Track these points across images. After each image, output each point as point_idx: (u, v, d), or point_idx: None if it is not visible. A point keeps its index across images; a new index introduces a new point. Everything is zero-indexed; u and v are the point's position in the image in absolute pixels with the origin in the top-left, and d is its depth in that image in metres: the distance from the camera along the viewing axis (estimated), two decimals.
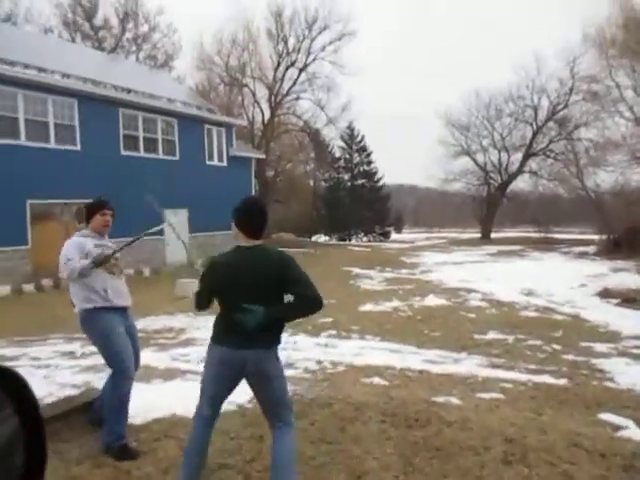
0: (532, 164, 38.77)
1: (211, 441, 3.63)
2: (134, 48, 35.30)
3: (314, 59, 33.91)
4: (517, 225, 45.79)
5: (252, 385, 2.81)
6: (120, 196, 15.50)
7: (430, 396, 4.65)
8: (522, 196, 39.82)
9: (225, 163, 20.24)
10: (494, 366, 5.99)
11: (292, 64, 33.91)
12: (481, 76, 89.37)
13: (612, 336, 7.76)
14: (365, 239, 39.32)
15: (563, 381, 5.43)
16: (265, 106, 34.42)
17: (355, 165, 39.72)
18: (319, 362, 5.98)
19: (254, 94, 34.27)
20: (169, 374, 5.43)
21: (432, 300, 10.65)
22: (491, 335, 7.60)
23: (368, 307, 9.86)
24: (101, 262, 3.45)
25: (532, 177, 38.83)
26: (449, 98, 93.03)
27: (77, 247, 3.53)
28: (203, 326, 8.19)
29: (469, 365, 5.99)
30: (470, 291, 12.10)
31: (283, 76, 34.02)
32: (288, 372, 5.56)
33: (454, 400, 4.57)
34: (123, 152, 16.15)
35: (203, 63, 34.13)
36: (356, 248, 29.38)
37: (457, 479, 3.12)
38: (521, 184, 40.39)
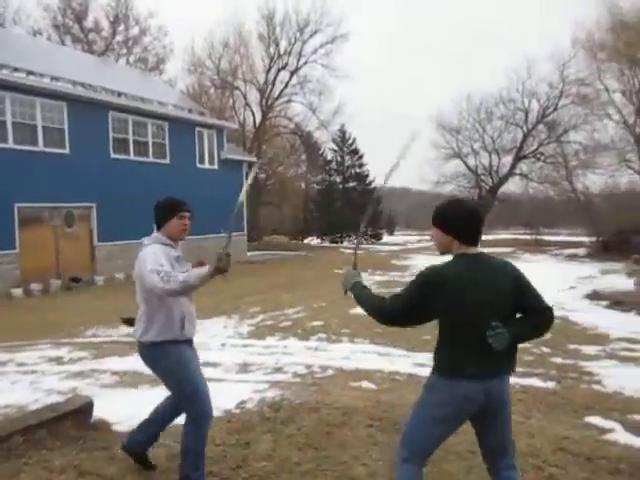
0: (522, 167, 39.05)
1: None
2: (124, 51, 35.23)
3: (305, 62, 34.04)
4: (508, 227, 46.04)
5: (482, 422, 2.34)
6: (110, 199, 15.53)
7: None
8: (513, 198, 40.06)
9: (216, 166, 20.20)
10: None
11: (283, 67, 34.00)
12: (474, 79, 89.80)
13: (601, 338, 7.80)
14: (356, 242, 39.37)
15: (551, 384, 5.44)
16: (256, 109, 34.50)
17: (347, 168, 39.76)
18: (308, 366, 5.96)
19: (245, 97, 34.33)
20: (156, 380, 5.39)
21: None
22: None
23: (358, 310, 9.83)
24: (223, 268, 2.63)
25: (523, 180, 39.10)
26: (442, 101, 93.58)
27: (166, 256, 2.80)
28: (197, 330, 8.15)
29: None
30: None
31: (274, 79, 34.10)
32: (277, 377, 5.56)
33: None
34: (113, 155, 16.07)
35: (194, 66, 34.18)
36: (348, 251, 29.40)
37: None
38: (512, 187, 40.66)
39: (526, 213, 36.72)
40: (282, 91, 34.41)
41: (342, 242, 38.68)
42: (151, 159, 17.34)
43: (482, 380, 2.20)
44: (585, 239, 27.85)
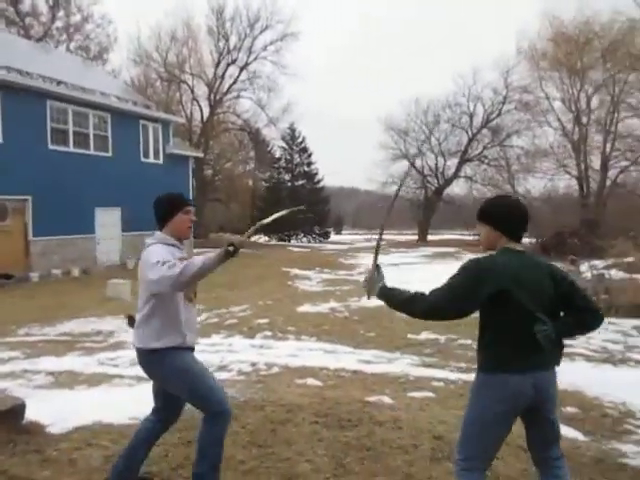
0: (467, 169, 40.39)
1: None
2: (64, 37, 33.73)
3: (255, 58, 33.75)
4: (453, 228, 47.40)
5: (530, 415, 2.30)
6: (47, 192, 14.84)
7: (363, 396, 4.68)
8: (458, 200, 41.29)
9: (161, 161, 19.69)
10: (426, 365, 6.12)
11: (233, 62, 33.56)
12: (423, 82, 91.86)
13: None
14: (305, 240, 39.39)
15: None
16: (204, 104, 33.90)
17: (296, 166, 39.71)
18: (253, 364, 5.90)
19: (193, 91, 33.65)
20: (95, 379, 5.19)
21: (369, 301, 10.77)
22: (424, 335, 7.77)
23: (305, 308, 9.85)
24: (236, 249, 2.37)
25: (467, 182, 40.46)
26: (391, 103, 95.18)
27: (171, 255, 2.57)
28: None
29: (402, 365, 6.09)
30: None
31: (223, 74, 33.62)
32: (222, 375, 5.47)
33: (386, 399, 4.62)
34: (51, 146, 15.36)
35: (140, 58, 33.20)
36: (295, 249, 29.39)
37: (386, 478, 3.14)
38: (456, 189, 41.97)
39: (470, 214, 37.87)
40: (231, 86, 33.98)
41: (290, 240, 38.62)
42: (92, 152, 16.69)
43: (531, 374, 2.18)
44: (525, 240, 29.02)
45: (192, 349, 2.77)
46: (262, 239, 38.46)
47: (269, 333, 7.72)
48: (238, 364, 5.90)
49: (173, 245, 2.67)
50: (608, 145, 26.32)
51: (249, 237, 2.62)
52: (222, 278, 15.25)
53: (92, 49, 34.37)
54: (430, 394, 4.93)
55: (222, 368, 5.76)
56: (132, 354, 6.26)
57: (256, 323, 8.37)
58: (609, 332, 8.05)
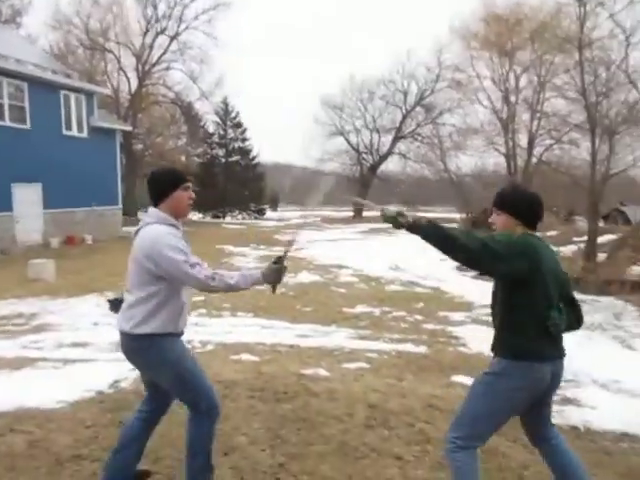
0: (401, 146, 41.15)
1: (63, 432, 3.36)
2: None
3: (186, 28, 32.43)
4: (388, 204, 48.23)
5: (536, 401, 2.30)
6: None
7: (299, 369, 4.72)
8: (392, 177, 42.06)
9: (86, 134, 18.65)
10: (361, 338, 6.24)
11: (162, 31, 32.10)
12: (360, 60, 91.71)
13: (467, 305, 8.48)
14: (240, 217, 38.93)
15: (423, 349, 5.81)
16: (132, 75, 32.31)
17: (230, 141, 38.90)
18: (188, 342, 5.77)
19: (119, 61, 31.96)
20: (17, 363, 4.91)
21: (305, 277, 10.83)
22: (359, 309, 7.91)
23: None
24: (275, 281, 2.48)
25: (401, 159, 41.23)
26: (328, 79, 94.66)
27: (175, 236, 2.41)
28: (59, 310, 7.54)
29: (338, 338, 6.18)
30: (341, 267, 12.50)
31: (152, 43, 32.10)
32: None
33: (322, 372, 4.68)
34: None
35: (59, 23, 31.04)
36: (231, 226, 28.98)
37: (321, 446, 3.19)
38: (391, 165, 42.68)
39: (404, 191, 38.76)
40: (161, 57, 32.53)
41: (224, 217, 38.03)
42: (8, 123, 15.53)
43: (552, 361, 2.25)
44: (457, 216, 30.03)
45: (181, 334, 2.62)
46: (195, 216, 37.68)
47: (204, 311, 7.59)
48: None
49: (174, 225, 2.48)
50: (535, 124, 27.49)
51: (283, 260, 2.53)
52: None
53: (4, 12, 31.77)
54: (364, 365, 5.04)
55: None
56: (57, 337, 6.00)
57: (191, 301, 8.20)
58: None
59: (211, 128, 39.02)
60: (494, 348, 2.32)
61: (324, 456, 3.09)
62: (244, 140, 39.24)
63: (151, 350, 2.45)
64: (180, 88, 34.04)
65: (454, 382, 4.65)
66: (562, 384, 4.57)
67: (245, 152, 39.19)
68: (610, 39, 15.50)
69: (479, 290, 9.86)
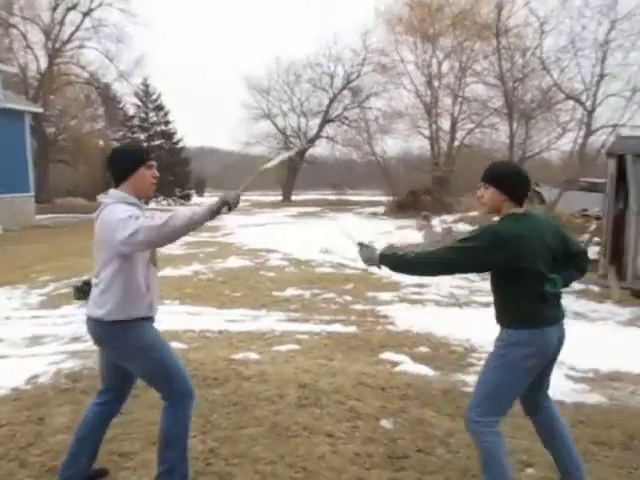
0: (329, 130, 41.15)
1: None
2: None
3: (100, 4, 30.59)
4: (316, 188, 48.53)
5: (544, 367, 2.41)
6: None
7: (229, 354, 4.67)
8: (320, 160, 42.18)
9: None
10: (291, 320, 6.26)
11: (73, 7, 30.09)
12: (286, 41, 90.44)
13: (394, 285, 8.70)
14: (165, 203, 37.75)
15: (352, 328, 5.92)
16: (41, 53, 30.19)
17: (152, 124, 37.43)
18: None
19: (26, 37, 29.72)
20: None
21: (234, 262, 10.68)
22: (289, 292, 7.92)
23: (166, 272, 9.48)
24: (230, 205, 2.17)
25: (329, 142, 41.30)
26: (254, 61, 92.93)
27: (135, 212, 2.25)
28: None
29: (268, 321, 6.16)
30: (271, 251, 12.44)
31: (63, 19, 30.07)
32: (76, 346, 5.09)
33: (253, 355, 4.66)
34: None
35: None
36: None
37: (254, 429, 3.19)
38: (319, 149, 42.70)
39: (332, 174, 38.99)
40: (73, 34, 30.57)
41: (148, 203, 36.72)
42: None
43: (557, 324, 2.36)
44: (384, 199, 30.65)
45: (153, 319, 2.52)
46: None
47: None
48: None
49: (135, 204, 2.37)
50: (457, 108, 28.47)
51: (245, 189, 2.36)
52: (72, 244, 14.07)
53: None
54: (295, 347, 5.06)
55: (76, 339, 5.36)
56: None
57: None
58: (455, 279, 8.88)
59: (131, 110, 37.33)
60: (499, 320, 2.41)
61: (256, 438, 3.08)
62: (167, 123, 37.88)
63: (126, 336, 2.36)
64: (95, 68, 32.24)
65: (383, 359, 4.78)
66: (484, 355, 4.87)
67: (168, 136, 37.88)
68: (525, 27, 16.29)
69: None
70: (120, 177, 2.41)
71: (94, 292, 2.40)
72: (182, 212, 2.17)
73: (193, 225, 2.15)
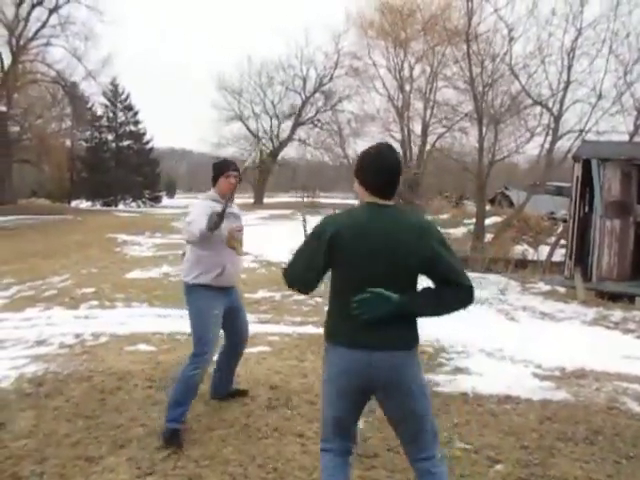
0: (301, 132, 41.13)
1: None
2: None
3: (68, 1, 29.97)
4: (288, 191, 48.44)
5: (382, 403, 2.05)
6: None
7: None
8: (292, 163, 42.12)
9: None
10: (262, 322, 6.21)
11: (39, 3, 29.40)
12: (258, 42, 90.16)
13: None
14: (134, 204, 37.15)
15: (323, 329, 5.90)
16: (4, 49, 29.35)
17: (120, 125, 36.86)
18: (78, 335, 5.42)
19: None
20: None
21: None
22: (260, 294, 7.87)
23: (135, 274, 9.32)
24: (216, 223, 2.91)
25: (301, 145, 41.26)
26: (226, 62, 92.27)
27: (203, 209, 3.10)
28: None
29: None
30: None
31: (28, 15, 29.32)
32: (39, 350, 4.94)
33: None
34: None
35: None
36: (123, 214, 27.53)
37: (224, 430, 3.15)
38: (291, 152, 42.63)
39: (304, 177, 38.99)
40: (38, 31, 29.81)
41: (117, 205, 36.09)
42: None
43: (368, 351, 1.93)
44: (355, 201, 30.76)
45: (226, 289, 3.30)
46: (84, 204, 35.44)
47: (95, 302, 7.15)
48: (60, 337, 5.36)
49: (215, 200, 3.23)
50: (428, 112, 28.78)
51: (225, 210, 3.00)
52: (35, 246, 13.74)
53: None
54: (266, 348, 5.02)
55: (40, 343, 5.20)
56: None
57: (79, 293, 7.68)
58: (424, 279, 8.96)
59: (99, 110, 36.69)
60: None
61: (226, 439, 3.05)
62: (136, 123, 37.43)
63: (184, 292, 3.28)
64: (62, 66, 31.50)
65: None
66: (453, 355, 4.95)
67: (137, 136, 37.41)
68: (494, 33, 16.60)
69: None
70: (212, 181, 3.34)
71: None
72: (195, 225, 3.04)
73: (195, 240, 3.07)
